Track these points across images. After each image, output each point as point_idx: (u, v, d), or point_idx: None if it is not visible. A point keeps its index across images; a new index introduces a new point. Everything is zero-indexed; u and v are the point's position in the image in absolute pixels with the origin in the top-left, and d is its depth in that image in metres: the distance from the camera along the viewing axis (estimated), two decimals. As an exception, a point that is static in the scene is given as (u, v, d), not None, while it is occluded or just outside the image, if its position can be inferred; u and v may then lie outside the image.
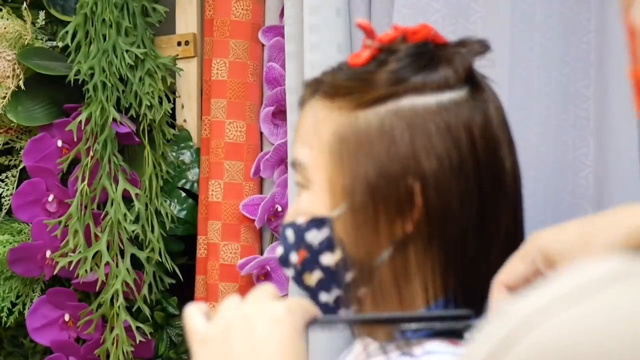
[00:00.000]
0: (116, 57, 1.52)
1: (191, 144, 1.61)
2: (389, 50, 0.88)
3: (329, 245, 0.86)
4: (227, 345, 0.67)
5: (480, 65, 0.91)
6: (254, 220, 1.51)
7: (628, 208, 0.73)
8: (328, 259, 0.86)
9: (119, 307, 1.50)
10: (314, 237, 0.86)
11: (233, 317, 0.68)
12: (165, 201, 1.58)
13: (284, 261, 0.89)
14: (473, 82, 0.88)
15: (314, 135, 0.88)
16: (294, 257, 0.88)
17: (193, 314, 0.70)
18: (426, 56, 0.87)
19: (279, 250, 0.90)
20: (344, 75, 0.88)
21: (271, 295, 0.69)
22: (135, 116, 1.55)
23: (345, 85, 0.87)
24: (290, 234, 0.88)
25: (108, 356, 1.52)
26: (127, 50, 1.52)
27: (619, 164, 1.14)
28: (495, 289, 0.77)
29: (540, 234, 0.76)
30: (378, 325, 0.80)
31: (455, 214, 0.85)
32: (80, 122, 1.50)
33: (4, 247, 1.55)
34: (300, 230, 0.87)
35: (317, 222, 0.86)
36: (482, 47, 0.89)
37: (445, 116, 0.85)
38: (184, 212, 1.59)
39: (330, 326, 0.74)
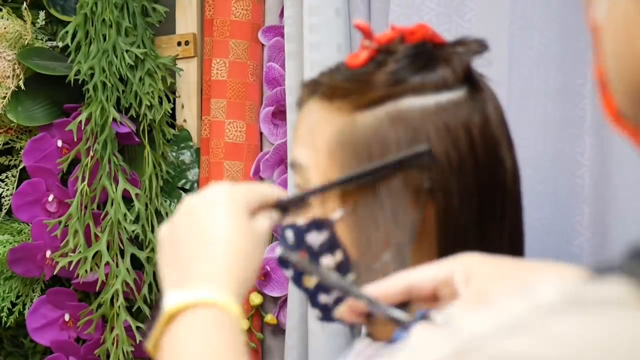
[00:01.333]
0: (116, 57, 1.52)
1: (191, 144, 1.61)
2: (387, 51, 0.88)
3: (329, 246, 0.86)
4: (175, 237, 0.72)
5: (478, 64, 0.91)
6: (254, 220, 1.51)
7: (555, 266, 0.74)
8: (328, 260, 0.86)
9: (119, 307, 1.50)
10: (314, 238, 0.86)
11: (182, 210, 0.73)
12: (165, 201, 1.58)
13: (283, 262, 0.89)
14: (471, 81, 0.88)
15: (313, 137, 0.88)
16: (294, 258, 0.88)
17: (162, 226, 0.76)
18: (424, 56, 0.87)
19: (279, 251, 0.90)
20: (342, 77, 0.88)
21: (220, 184, 0.73)
22: (135, 116, 1.55)
23: (344, 87, 0.87)
24: (290, 235, 0.88)
25: (108, 356, 1.52)
26: (127, 50, 1.52)
27: (615, 163, 1.14)
28: (396, 281, 0.75)
29: (473, 254, 0.76)
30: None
31: (456, 214, 0.85)
32: (80, 122, 1.50)
33: (4, 247, 1.55)
34: (300, 232, 0.87)
35: (318, 224, 0.86)
36: (480, 46, 0.89)
37: (444, 116, 0.85)
38: (184, 212, 1.59)
39: (292, 209, 0.77)
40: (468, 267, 0.73)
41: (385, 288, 0.75)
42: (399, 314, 0.72)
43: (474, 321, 0.40)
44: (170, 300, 0.69)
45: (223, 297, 0.68)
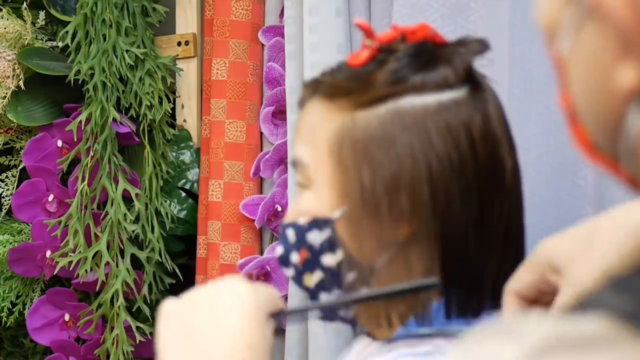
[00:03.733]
0: (116, 57, 1.52)
1: (191, 144, 1.61)
2: (388, 50, 0.88)
3: (330, 245, 0.86)
4: (189, 317, 0.69)
5: (480, 64, 0.91)
6: (253, 220, 1.51)
7: (627, 206, 0.73)
8: (329, 259, 0.86)
9: (119, 307, 1.50)
10: (316, 237, 0.86)
11: (198, 294, 0.71)
12: (165, 201, 1.58)
13: (284, 261, 0.89)
14: (473, 81, 0.88)
15: (314, 135, 0.88)
16: (295, 257, 0.88)
17: (168, 299, 0.73)
18: (425, 56, 0.87)
19: (279, 250, 0.90)
20: (344, 76, 0.88)
21: (238, 278, 0.71)
22: (135, 116, 1.55)
23: (345, 86, 0.87)
24: (291, 234, 0.88)
25: (108, 356, 1.52)
26: (127, 50, 1.52)
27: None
28: (507, 297, 0.76)
29: (545, 243, 0.76)
30: (344, 308, 0.81)
31: (456, 214, 0.85)
32: (80, 122, 1.50)
33: (4, 247, 1.55)
34: (301, 231, 0.87)
35: (319, 223, 0.86)
36: (482, 46, 0.89)
37: (444, 115, 0.85)
38: (184, 212, 1.59)
39: (298, 318, 0.75)
40: (550, 258, 0.74)
41: (508, 312, 0.76)
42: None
43: (532, 330, 0.40)
44: None
45: None
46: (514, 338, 0.40)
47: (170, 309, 0.72)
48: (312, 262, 0.87)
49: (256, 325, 0.68)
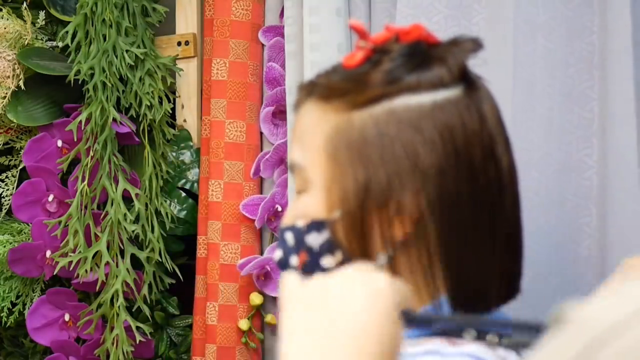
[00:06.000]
0: (116, 57, 1.52)
1: (191, 144, 1.61)
2: (382, 50, 0.88)
3: (329, 247, 0.86)
4: (324, 305, 0.66)
5: (484, 66, 0.90)
6: (254, 220, 1.51)
7: None
8: (328, 261, 0.86)
9: (119, 307, 1.50)
10: (315, 239, 0.86)
11: (332, 279, 0.68)
12: (165, 201, 1.58)
13: (283, 264, 0.89)
14: (467, 80, 0.88)
15: (311, 137, 0.88)
16: (294, 260, 0.88)
17: (290, 275, 0.70)
18: (419, 55, 0.87)
19: (278, 254, 0.90)
20: (339, 77, 0.88)
21: (373, 268, 0.69)
22: (135, 116, 1.55)
23: (340, 87, 0.87)
24: (290, 237, 0.88)
25: (108, 356, 1.52)
26: (127, 50, 1.52)
27: (623, 165, 1.14)
28: None
29: (629, 264, 0.75)
30: (468, 327, 0.78)
31: (453, 213, 0.85)
32: (80, 122, 1.50)
33: (4, 247, 1.55)
34: (300, 233, 0.87)
35: (317, 225, 0.86)
36: (475, 45, 0.89)
37: (440, 115, 0.85)
38: (184, 212, 1.59)
39: (420, 325, 0.73)
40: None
41: None
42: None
43: (598, 313, 0.40)
44: None
45: None
46: None
47: (301, 293, 0.69)
48: (311, 265, 0.87)
49: (390, 322, 0.66)
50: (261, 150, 1.55)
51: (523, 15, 1.21)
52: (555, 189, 1.17)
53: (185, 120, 1.62)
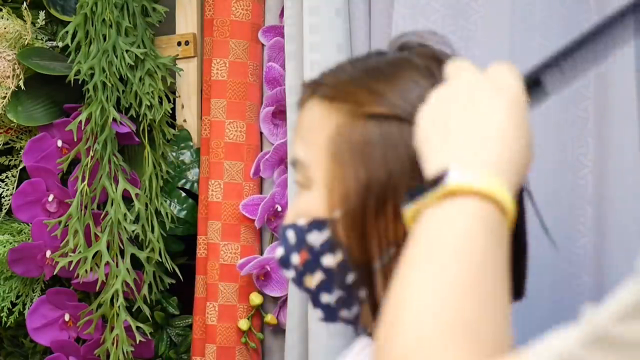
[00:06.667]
0: (116, 57, 1.52)
1: (191, 144, 1.61)
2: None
3: (330, 246, 0.86)
4: (471, 90, 0.72)
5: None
6: (253, 220, 1.51)
7: None
8: (329, 260, 0.86)
9: (119, 307, 1.50)
10: (316, 238, 0.86)
11: (481, 75, 0.74)
12: (165, 201, 1.58)
13: (284, 262, 0.89)
14: None
15: (313, 135, 0.88)
16: (295, 259, 0.88)
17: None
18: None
19: (279, 252, 0.90)
20: (347, 77, 0.88)
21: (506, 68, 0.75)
22: (135, 116, 1.55)
23: (349, 92, 0.87)
24: (291, 235, 0.88)
25: (108, 356, 1.52)
26: (127, 50, 1.52)
27: (618, 164, 1.14)
28: None
29: None
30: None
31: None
32: (80, 122, 1.50)
33: (4, 247, 1.55)
34: (301, 232, 0.87)
35: (318, 224, 0.86)
36: None
37: None
38: (184, 212, 1.59)
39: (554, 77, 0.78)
40: None
41: None
42: None
43: (596, 311, 0.41)
44: (456, 177, 0.66)
45: (509, 201, 0.66)
46: None
47: (461, 66, 0.75)
48: (312, 263, 0.87)
49: (524, 120, 0.71)
50: (261, 150, 1.55)
51: (520, 14, 1.21)
52: (551, 188, 1.17)
53: (185, 120, 1.62)
